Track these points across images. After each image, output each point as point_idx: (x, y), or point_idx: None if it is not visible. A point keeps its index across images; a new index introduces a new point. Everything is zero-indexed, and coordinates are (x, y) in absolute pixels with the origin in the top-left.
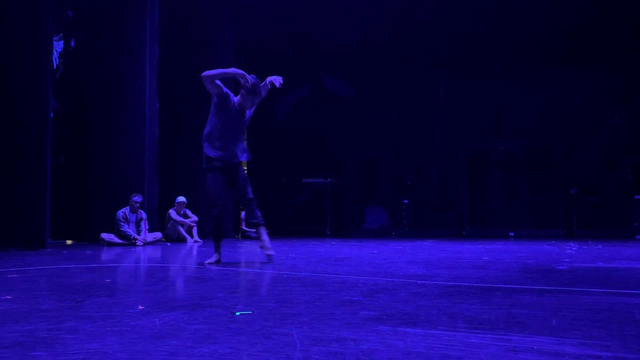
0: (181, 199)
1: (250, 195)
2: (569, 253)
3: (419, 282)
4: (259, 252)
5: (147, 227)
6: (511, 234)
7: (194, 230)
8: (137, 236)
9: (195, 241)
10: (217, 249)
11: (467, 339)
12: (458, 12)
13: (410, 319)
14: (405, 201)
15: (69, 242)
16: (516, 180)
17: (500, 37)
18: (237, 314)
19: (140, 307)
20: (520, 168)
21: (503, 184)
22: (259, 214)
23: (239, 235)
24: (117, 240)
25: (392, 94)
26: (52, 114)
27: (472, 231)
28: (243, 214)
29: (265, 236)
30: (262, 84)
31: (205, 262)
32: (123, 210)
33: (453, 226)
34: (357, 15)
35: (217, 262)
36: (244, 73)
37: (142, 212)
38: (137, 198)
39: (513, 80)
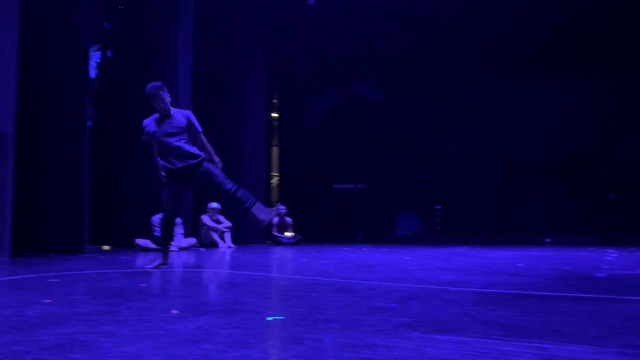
0: (214, 204)
1: (227, 187)
2: (608, 260)
3: (451, 288)
4: (290, 258)
5: (182, 232)
6: (547, 240)
7: (227, 236)
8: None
9: (229, 247)
10: (164, 253)
11: (501, 346)
12: (489, 15)
13: (443, 325)
14: (438, 207)
15: (105, 247)
16: (552, 185)
17: (535, 39)
18: (269, 319)
19: (174, 312)
20: (556, 172)
21: (538, 189)
22: (244, 196)
23: (271, 241)
24: (152, 245)
25: (423, 98)
26: (89, 123)
27: (507, 237)
28: (275, 219)
29: (260, 212)
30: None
31: (148, 266)
32: (158, 215)
33: (487, 232)
34: (387, 20)
35: (160, 265)
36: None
37: (177, 217)
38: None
39: (547, 83)
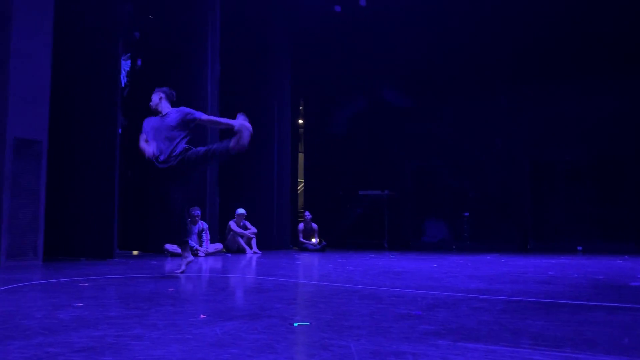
0: (241, 211)
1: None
2: None
3: (480, 296)
4: (316, 264)
5: (209, 237)
6: (579, 248)
7: (253, 242)
8: (199, 247)
9: (255, 252)
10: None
11: (532, 356)
12: (517, 19)
13: (471, 334)
14: (466, 214)
15: (135, 252)
16: (584, 192)
17: (565, 41)
18: (295, 325)
19: (202, 316)
20: (588, 179)
21: (570, 196)
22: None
23: (297, 247)
24: (180, 251)
25: (451, 103)
26: (120, 130)
27: (537, 245)
28: (301, 225)
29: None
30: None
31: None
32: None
33: (516, 240)
34: (414, 26)
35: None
36: None
37: (204, 223)
38: (196, 211)
39: (578, 87)
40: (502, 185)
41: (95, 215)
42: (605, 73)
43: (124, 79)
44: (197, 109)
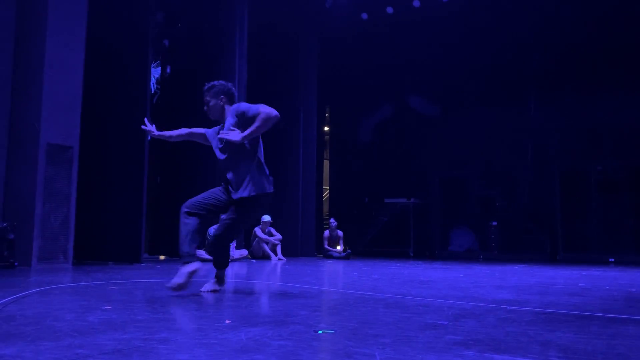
0: (267, 217)
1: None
2: None
3: (508, 307)
4: (340, 272)
5: (235, 244)
6: (611, 259)
7: (278, 249)
8: None
9: (279, 259)
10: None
11: None
12: (549, 26)
13: (499, 345)
14: (494, 223)
15: (162, 257)
16: (617, 202)
17: (597, 51)
18: (320, 332)
19: (227, 322)
20: (622, 189)
21: (602, 206)
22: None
23: (321, 254)
24: (206, 256)
25: (479, 111)
26: (149, 137)
27: (567, 256)
28: (326, 232)
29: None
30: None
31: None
32: (214, 227)
33: (546, 250)
34: (442, 33)
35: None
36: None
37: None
38: (223, 216)
39: (611, 96)
40: (531, 194)
41: (123, 220)
42: (636, 83)
43: (153, 86)
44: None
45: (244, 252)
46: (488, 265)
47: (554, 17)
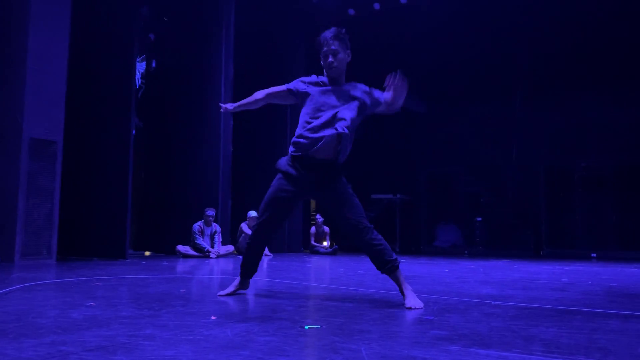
0: (253, 213)
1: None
2: None
3: (492, 302)
4: (327, 267)
5: (221, 240)
6: (593, 255)
7: None
8: (210, 249)
9: (266, 255)
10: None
11: None
12: (535, 23)
13: (483, 340)
14: (479, 219)
15: (147, 253)
16: (600, 199)
17: (581, 48)
18: (306, 327)
19: (213, 318)
20: (605, 186)
21: (585, 203)
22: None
23: (308, 250)
24: (192, 252)
25: (465, 108)
26: (134, 131)
27: (551, 251)
28: (313, 228)
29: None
30: None
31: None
32: (199, 223)
33: (530, 246)
34: (429, 30)
35: (233, 293)
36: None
37: (217, 225)
38: (211, 212)
39: (595, 94)
40: (516, 191)
41: (108, 215)
42: (623, 80)
43: (138, 81)
44: (210, 109)
45: (230, 247)
46: (473, 260)
47: (540, 14)
